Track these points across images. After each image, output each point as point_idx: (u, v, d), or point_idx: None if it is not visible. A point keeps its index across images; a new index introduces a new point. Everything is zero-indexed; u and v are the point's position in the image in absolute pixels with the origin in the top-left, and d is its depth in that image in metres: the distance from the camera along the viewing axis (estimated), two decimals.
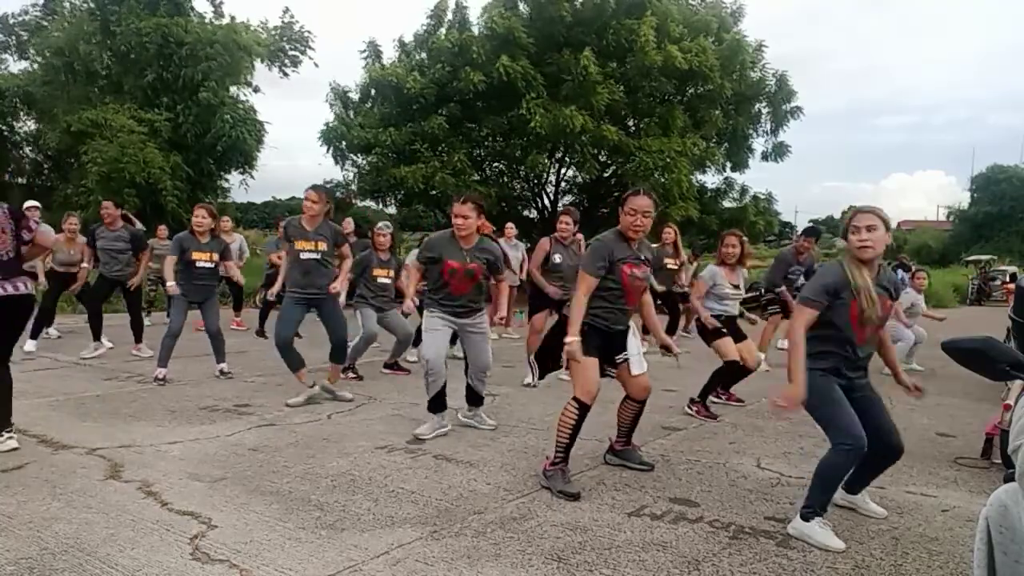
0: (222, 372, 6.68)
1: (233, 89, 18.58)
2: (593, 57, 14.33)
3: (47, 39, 16.97)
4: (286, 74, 20.07)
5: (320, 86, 20.30)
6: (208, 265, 6.55)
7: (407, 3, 19.13)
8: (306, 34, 19.92)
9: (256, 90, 19.77)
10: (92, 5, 16.93)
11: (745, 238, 6.22)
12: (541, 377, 4.32)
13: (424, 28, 16.87)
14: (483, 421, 5.04)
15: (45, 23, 18.63)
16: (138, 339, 7.86)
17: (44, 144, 16.87)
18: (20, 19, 19.25)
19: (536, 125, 14.06)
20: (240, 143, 17.29)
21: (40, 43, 17.13)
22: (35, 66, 18.32)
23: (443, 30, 16.69)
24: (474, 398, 5.01)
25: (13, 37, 19.18)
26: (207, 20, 18.08)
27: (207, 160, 17.74)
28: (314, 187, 5.56)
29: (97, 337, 7.67)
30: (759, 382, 6.73)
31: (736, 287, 5.84)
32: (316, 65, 21.80)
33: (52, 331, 8.70)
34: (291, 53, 19.89)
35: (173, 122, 16.64)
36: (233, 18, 18.39)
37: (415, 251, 6.49)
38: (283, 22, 19.82)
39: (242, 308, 10.78)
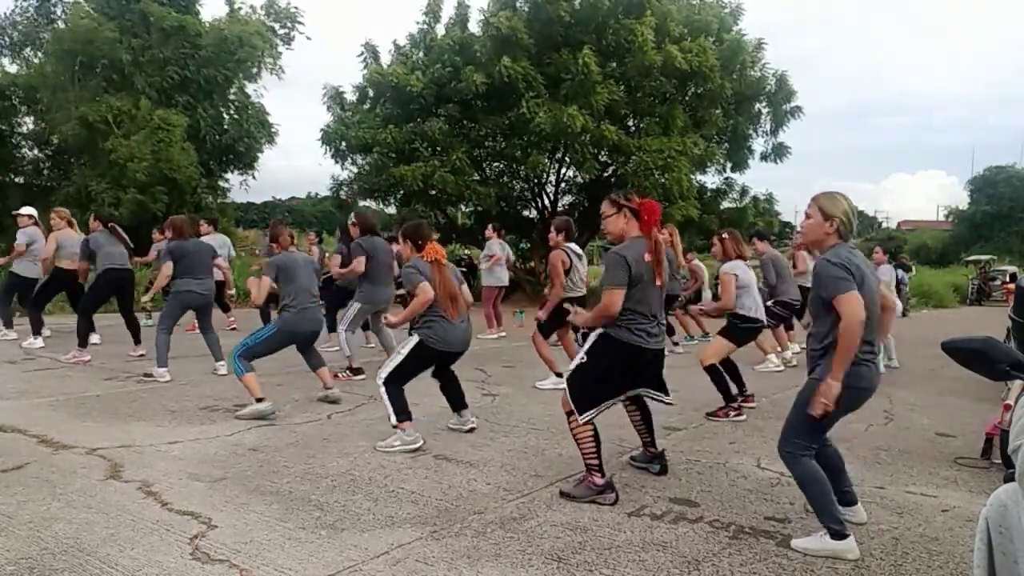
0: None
1: (249, 90, 18.74)
2: (593, 56, 14.32)
3: (63, 32, 16.92)
4: (279, 53, 19.70)
5: (319, 86, 20.21)
6: None
7: (403, 4, 19.07)
8: (293, 9, 19.36)
9: (255, 79, 19.62)
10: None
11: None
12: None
13: (420, 27, 16.86)
14: (466, 422, 4.95)
15: (40, 24, 18.56)
16: (136, 341, 7.85)
17: (60, 136, 16.62)
18: (11, 19, 19.15)
19: (539, 124, 14.06)
20: (253, 145, 17.42)
21: (58, 34, 17.03)
22: (39, 59, 18.25)
23: (440, 27, 16.69)
24: (457, 403, 4.94)
25: (6, 38, 19.07)
26: (219, 19, 18.08)
27: (210, 162, 17.78)
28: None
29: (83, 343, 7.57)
30: (760, 382, 6.74)
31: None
32: (308, 38, 21.38)
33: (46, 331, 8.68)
34: (280, 31, 19.54)
35: (190, 122, 16.72)
36: (238, 9, 18.37)
37: None
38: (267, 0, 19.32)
39: (229, 308, 10.78)
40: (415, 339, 4.50)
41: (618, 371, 3.66)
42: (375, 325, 7.14)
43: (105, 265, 7.52)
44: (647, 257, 3.61)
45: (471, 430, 4.87)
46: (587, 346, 3.69)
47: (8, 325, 8.91)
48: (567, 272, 6.29)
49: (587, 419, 3.58)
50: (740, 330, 5.68)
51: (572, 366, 3.69)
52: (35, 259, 8.43)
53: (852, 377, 2.90)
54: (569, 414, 3.64)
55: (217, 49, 16.95)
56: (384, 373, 4.46)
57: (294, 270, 5.44)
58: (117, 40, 16.09)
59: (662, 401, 3.93)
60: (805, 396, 3.01)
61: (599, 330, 3.69)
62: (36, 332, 8.31)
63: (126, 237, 7.84)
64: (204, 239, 8.08)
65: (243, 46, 17.13)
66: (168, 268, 6.51)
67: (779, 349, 8.41)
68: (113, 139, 15.15)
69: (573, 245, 6.50)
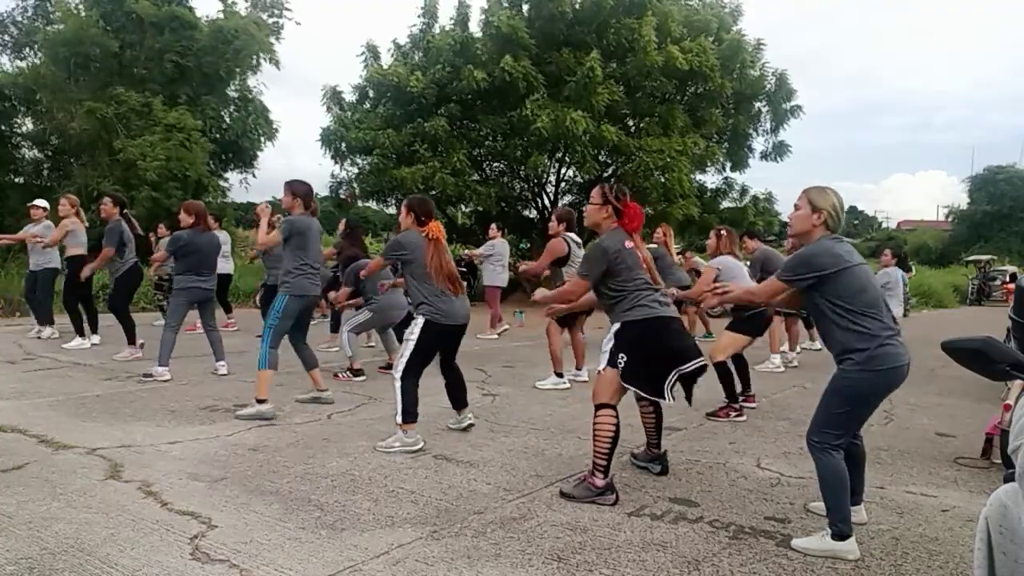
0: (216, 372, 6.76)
1: (251, 85, 18.79)
2: (599, 58, 14.32)
3: (54, 35, 16.93)
4: (271, 41, 19.62)
5: (319, 87, 20.35)
6: None
7: (403, 4, 19.03)
8: None
9: (254, 71, 19.56)
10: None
11: None
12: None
13: (418, 28, 16.86)
14: (464, 420, 4.92)
15: (38, 24, 18.56)
16: (130, 340, 7.60)
17: (72, 133, 16.52)
18: (12, 18, 19.12)
19: (541, 127, 14.06)
20: (255, 143, 17.43)
21: (49, 37, 17.03)
22: (38, 60, 18.26)
23: (437, 27, 16.69)
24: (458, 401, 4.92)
25: (6, 36, 19.05)
26: (217, 19, 18.09)
27: (210, 160, 17.80)
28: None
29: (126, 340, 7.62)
30: (760, 382, 6.73)
31: None
32: (298, 23, 21.62)
33: (48, 331, 8.67)
34: (270, 21, 19.41)
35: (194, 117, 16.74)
36: (232, 5, 18.36)
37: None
38: None
39: (231, 309, 10.78)
40: (420, 322, 4.46)
41: (655, 345, 3.64)
42: (381, 329, 7.15)
43: (131, 260, 7.62)
44: (628, 244, 3.73)
45: (469, 427, 4.87)
46: (612, 346, 3.66)
47: (49, 322, 8.79)
48: (566, 260, 6.29)
49: (669, 398, 3.64)
50: (746, 320, 5.55)
51: (619, 367, 3.60)
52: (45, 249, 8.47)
53: (883, 358, 2.93)
54: (598, 407, 3.63)
55: (214, 39, 16.93)
56: (400, 367, 4.44)
57: (309, 234, 5.34)
58: (104, 28, 16.08)
59: (701, 367, 3.73)
60: (833, 387, 3.02)
61: (615, 325, 3.71)
62: (46, 323, 8.40)
63: (137, 225, 7.94)
64: None
65: (240, 36, 17.13)
66: (163, 254, 6.55)
67: (783, 349, 8.38)
68: (121, 140, 15.14)
69: (573, 235, 6.52)
